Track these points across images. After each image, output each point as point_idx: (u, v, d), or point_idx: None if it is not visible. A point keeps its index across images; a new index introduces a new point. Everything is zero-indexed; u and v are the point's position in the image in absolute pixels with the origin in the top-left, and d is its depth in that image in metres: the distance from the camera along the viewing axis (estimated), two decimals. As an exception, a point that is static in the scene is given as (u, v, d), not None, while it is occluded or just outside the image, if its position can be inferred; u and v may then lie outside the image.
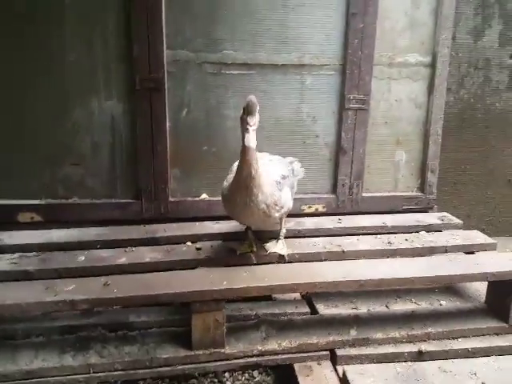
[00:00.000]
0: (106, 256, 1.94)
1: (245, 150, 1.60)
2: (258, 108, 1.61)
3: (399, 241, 2.13)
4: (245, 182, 1.65)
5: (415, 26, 2.36)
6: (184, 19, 2.16)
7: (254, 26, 2.22)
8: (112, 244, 2.05)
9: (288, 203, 1.88)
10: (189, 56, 2.20)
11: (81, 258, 1.91)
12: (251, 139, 1.57)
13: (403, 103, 2.44)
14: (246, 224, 1.97)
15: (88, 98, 2.18)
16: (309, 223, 2.26)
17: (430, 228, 2.29)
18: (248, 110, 1.58)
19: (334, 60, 2.31)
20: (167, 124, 2.23)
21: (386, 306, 2.02)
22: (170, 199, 2.31)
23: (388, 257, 2.04)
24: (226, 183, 1.80)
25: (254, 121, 1.58)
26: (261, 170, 1.68)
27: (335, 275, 1.75)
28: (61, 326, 1.81)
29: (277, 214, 1.80)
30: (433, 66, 2.41)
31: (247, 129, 1.56)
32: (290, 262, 1.95)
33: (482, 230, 2.72)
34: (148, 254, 1.95)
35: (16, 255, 1.94)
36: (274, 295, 2.08)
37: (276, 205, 1.75)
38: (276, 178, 1.79)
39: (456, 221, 2.35)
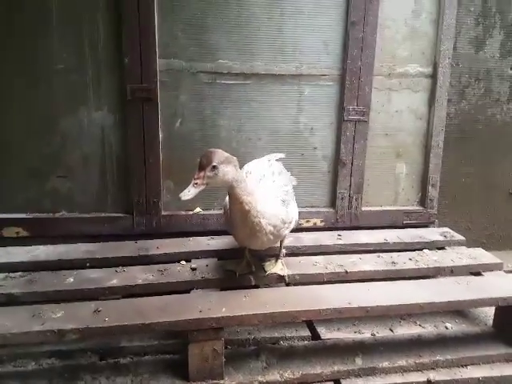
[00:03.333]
0: (96, 277, 1.74)
1: (232, 190, 1.44)
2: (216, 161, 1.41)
3: (403, 260, 1.94)
4: (241, 217, 1.48)
5: (416, 35, 2.19)
6: (177, 27, 1.98)
7: (250, 35, 2.04)
8: (102, 262, 1.85)
9: (295, 217, 1.71)
10: (182, 65, 2.02)
11: (69, 280, 1.71)
12: (185, 191, 1.40)
13: (404, 115, 2.26)
14: (255, 247, 1.73)
15: (77, 108, 1.98)
16: (307, 239, 2.07)
17: (433, 245, 2.11)
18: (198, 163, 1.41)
19: (333, 70, 2.14)
20: (160, 135, 2.04)
21: (391, 330, 1.83)
22: (163, 213, 2.11)
23: (392, 278, 1.85)
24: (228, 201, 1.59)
25: (201, 174, 1.41)
26: (256, 197, 1.49)
27: (340, 301, 1.57)
28: (50, 351, 1.62)
29: (287, 231, 1.65)
30: (434, 76, 2.24)
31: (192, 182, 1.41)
32: (291, 284, 1.78)
33: (483, 244, 2.55)
34: (140, 275, 1.75)
35: (1, 276, 1.74)
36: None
37: (284, 222, 1.59)
38: (280, 194, 1.61)
39: (459, 237, 2.16)
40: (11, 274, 1.73)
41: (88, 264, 1.83)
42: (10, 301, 1.60)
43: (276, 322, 1.57)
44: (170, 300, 1.57)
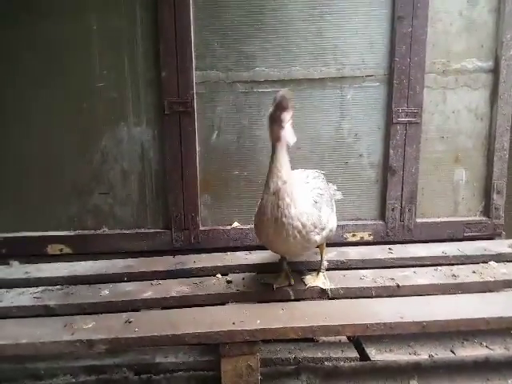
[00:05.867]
0: (131, 290, 1.91)
1: (274, 149, 1.54)
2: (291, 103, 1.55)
3: (465, 273, 1.93)
4: (275, 186, 1.53)
5: (472, 27, 2.20)
6: (213, 38, 2.15)
7: (288, 40, 2.16)
8: (139, 276, 2.03)
9: (331, 223, 1.74)
10: (219, 76, 2.18)
11: (105, 292, 1.90)
12: (288, 134, 1.49)
13: (461, 115, 2.25)
14: (281, 252, 1.82)
15: (117, 124, 2.20)
16: (354, 253, 2.12)
17: (500, 258, 2.07)
18: (281, 106, 1.52)
19: (379, 70, 2.19)
20: (197, 148, 2.21)
21: (452, 351, 1.82)
22: (201, 228, 2.26)
23: (453, 292, 1.85)
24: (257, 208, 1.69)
25: (288, 116, 1.52)
26: (293, 180, 1.59)
27: (390, 315, 1.59)
28: (84, 366, 1.80)
29: (317, 238, 1.65)
30: (495, 71, 2.21)
31: (282, 126, 1.50)
32: (334, 299, 1.81)
33: None
34: (175, 288, 1.90)
35: (39, 289, 1.96)
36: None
37: (315, 226, 1.62)
38: (313, 195, 1.68)
39: (531, 250, 2.10)
40: (50, 287, 1.95)
41: (125, 278, 2.01)
42: (46, 312, 1.79)
43: (316, 336, 1.60)
44: (202, 312, 1.68)
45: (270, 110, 1.55)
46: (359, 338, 1.90)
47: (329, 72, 2.19)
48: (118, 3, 2.11)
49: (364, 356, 1.81)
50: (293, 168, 1.91)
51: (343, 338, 1.96)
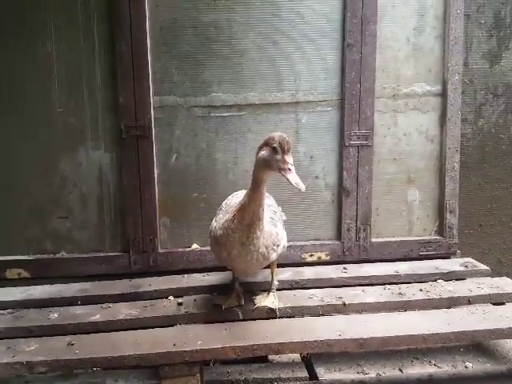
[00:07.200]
0: (80, 313, 1.97)
1: (257, 188, 1.59)
2: None
3: (412, 291, 2.03)
4: (250, 220, 1.62)
5: (420, 53, 2.37)
6: (171, 65, 2.29)
7: (243, 66, 2.31)
8: (93, 300, 2.09)
9: (283, 240, 1.84)
10: (177, 101, 2.31)
11: (53, 316, 1.95)
12: (299, 180, 1.52)
13: (413, 137, 2.40)
14: (239, 269, 1.87)
15: (75, 149, 2.31)
16: (309, 273, 2.21)
17: (450, 276, 2.18)
18: (285, 148, 1.55)
19: (331, 95, 2.34)
20: (155, 171, 2.31)
21: (400, 370, 1.90)
22: (160, 250, 2.34)
23: (398, 310, 1.94)
24: (216, 223, 1.76)
25: (292, 159, 1.56)
26: (265, 215, 1.67)
27: (330, 333, 1.66)
28: None
29: (274, 255, 1.76)
30: (443, 94, 2.38)
31: (289, 169, 1.53)
32: (282, 318, 1.88)
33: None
34: (124, 311, 1.95)
35: (-11, 313, 2.00)
36: (270, 357, 2.01)
37: (274, 244, 1.72)
38: (269, 213, 1.77)
39: (482, 267, 2.22)
40: (0, 311, 2.00)
41: (79, 302, 2.07)
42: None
43: (256, 354, 1.65)
44: (146, 334, 1.73)
45: (265, 152, 1.58)
46: (311, 358, 1.97)
47: (283, 97, 2.33)
48: (76, 33, 2.25)
49: (313, 375, 1.88)
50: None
51: (296, 358, 2.03)
